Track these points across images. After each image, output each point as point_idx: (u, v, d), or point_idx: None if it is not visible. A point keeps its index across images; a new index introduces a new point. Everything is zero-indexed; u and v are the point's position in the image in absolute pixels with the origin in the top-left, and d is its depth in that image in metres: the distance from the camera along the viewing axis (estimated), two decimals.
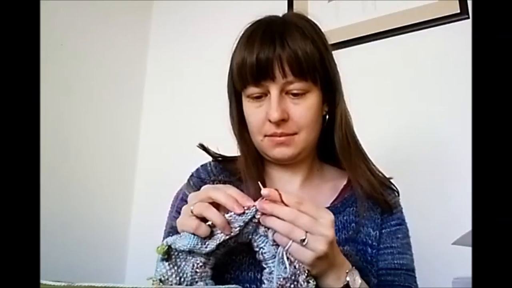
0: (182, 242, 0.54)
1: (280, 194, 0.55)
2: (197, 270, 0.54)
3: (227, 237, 0.54)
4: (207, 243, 0.54)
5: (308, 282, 0.54)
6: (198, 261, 0.55)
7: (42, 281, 0.45)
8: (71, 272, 1.35)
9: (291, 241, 0.53)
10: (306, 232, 0.53)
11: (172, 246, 0.54)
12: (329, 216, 0.55)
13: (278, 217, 0.54)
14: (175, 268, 0.54)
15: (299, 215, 0.53)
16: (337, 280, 0.57)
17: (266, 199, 0.55)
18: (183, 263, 0.55)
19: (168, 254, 0.54)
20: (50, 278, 0.46)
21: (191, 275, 0.54)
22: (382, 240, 0.73)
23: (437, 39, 1.30)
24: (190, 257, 0.55)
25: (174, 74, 1.81)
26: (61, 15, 1.50)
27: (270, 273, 0.56)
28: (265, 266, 0.57)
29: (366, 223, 0.73)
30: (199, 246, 0.54)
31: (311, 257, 0.53)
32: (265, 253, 0.56)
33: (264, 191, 0.55)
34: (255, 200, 0.56)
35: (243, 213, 0.54)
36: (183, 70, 1.79)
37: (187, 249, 0.54)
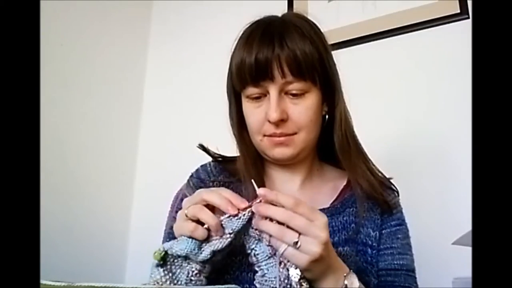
0: (179, 246, 0.53)
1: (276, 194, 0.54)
2: (192, 278, 0.54)
3: (223, 245, 0.54)
4: (203, 249, 0.54)
5: (301, 285, 0.53)
6: (193, 269, 0.54)
7: (42, 281, 0.44)
8: (71, 272, 1.35)
9: (286, 245, 0.53)
10: (300, 234, 0.52)
11: (169, 252, 0.53)
12: (323, 218, 0.54)
13: (273, 218, 0.53)
14: (170, 274, 0.53)
15: (294, 216, 0.53)
16: (335, 283, 0.56)
17: (262, 200, 0.54)
18: (178, 270, 0.54)
19: (164, 260, 0.53)
20: (50, 278, 0.46)
21: (186, 283, 0.53)
22: (382, 240, 0.73)
23: (437, 39, 1.29)
24: (186, 264, 0.54)
25: (173, 75, 1.81)
26: (61, 15, 1.50)
27: (263, 275, 0.55)
28: (257, 269, 0.56)
29: (366, 223, 0.73)
30: (196, 251, 0.53)
31: (307, 261, 0.52)
32: (257, 254, 0.55)
33: (260, 191, 0.54)
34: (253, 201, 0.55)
35: (237, 215, 0.54)
36: (182, 70, 1.79)
37: (184, 254, 0.53)
